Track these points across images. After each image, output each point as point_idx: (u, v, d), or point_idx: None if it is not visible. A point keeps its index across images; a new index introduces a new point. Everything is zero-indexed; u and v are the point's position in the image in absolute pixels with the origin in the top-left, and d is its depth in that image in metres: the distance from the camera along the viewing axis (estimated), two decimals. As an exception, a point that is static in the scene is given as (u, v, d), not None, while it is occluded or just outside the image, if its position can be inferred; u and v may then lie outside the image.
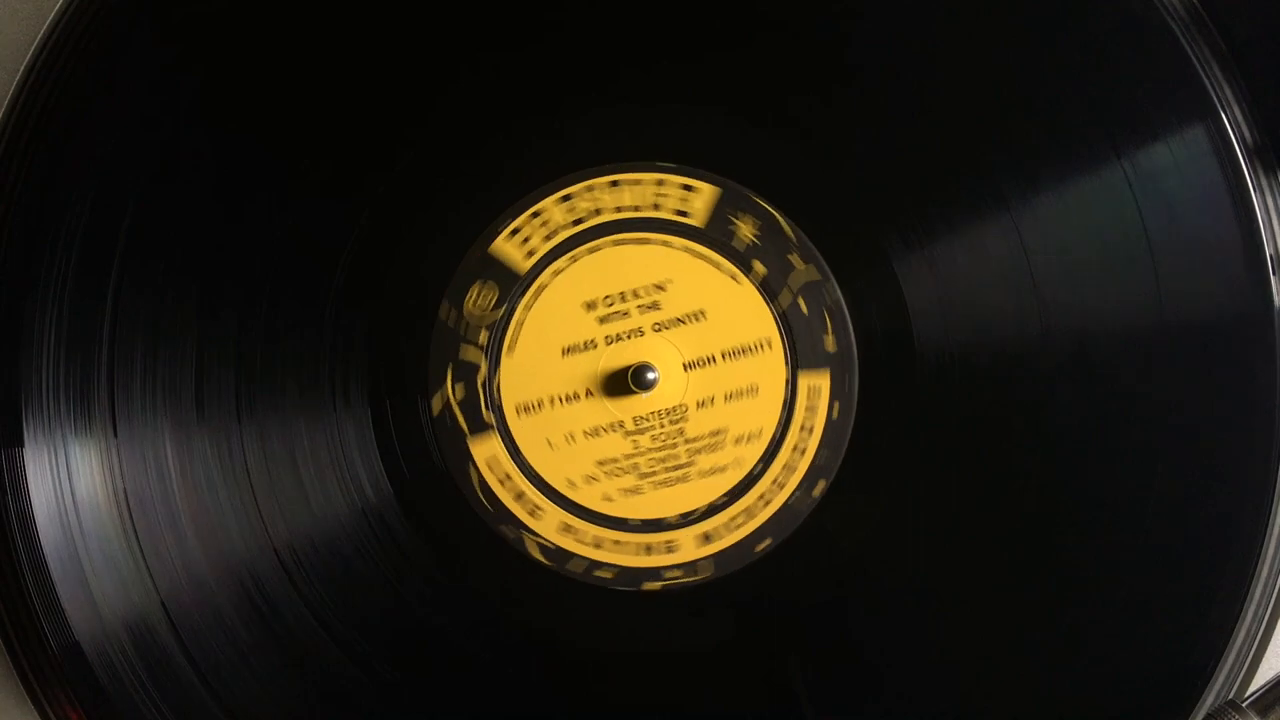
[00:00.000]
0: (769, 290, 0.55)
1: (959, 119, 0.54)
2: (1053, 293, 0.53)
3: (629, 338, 0.55)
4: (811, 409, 0.55)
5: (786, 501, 0.55)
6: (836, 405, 0.55)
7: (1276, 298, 0.51)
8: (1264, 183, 0.52)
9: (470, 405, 0.55)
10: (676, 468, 0.55)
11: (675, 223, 0.55)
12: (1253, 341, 0.51)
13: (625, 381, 0.55)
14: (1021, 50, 0.53)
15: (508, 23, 0.54)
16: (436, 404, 0.55)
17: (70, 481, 0.52)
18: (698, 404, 0.55)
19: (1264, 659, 0.52)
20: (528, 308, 0.55)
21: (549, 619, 0.55)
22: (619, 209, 0.55)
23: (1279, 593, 0.52)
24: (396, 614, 0.54)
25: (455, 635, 0.54)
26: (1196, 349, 0.52)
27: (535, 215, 0.55)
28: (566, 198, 0.55)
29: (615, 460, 0.56)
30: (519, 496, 0.55)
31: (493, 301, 0.55)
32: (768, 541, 0.55)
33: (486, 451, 0.55)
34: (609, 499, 0.55)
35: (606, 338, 0.55)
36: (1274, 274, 0.51)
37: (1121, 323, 0.52)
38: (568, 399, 0.55)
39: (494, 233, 0.55)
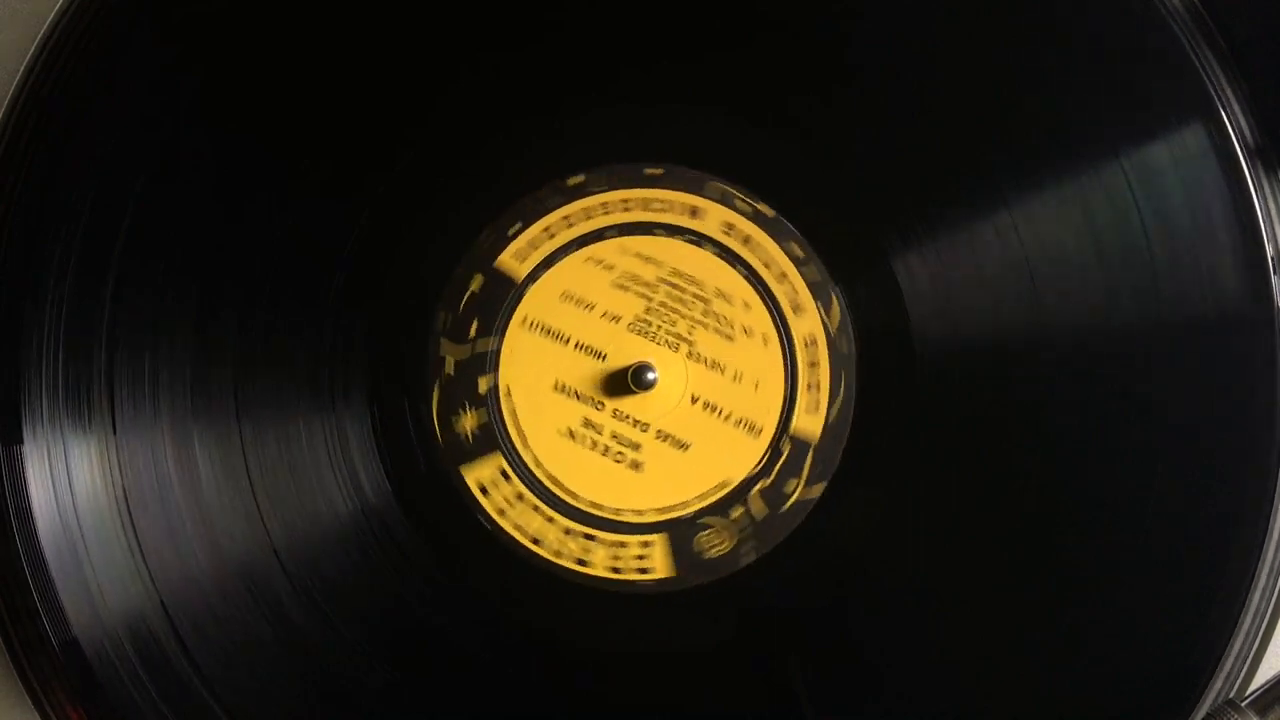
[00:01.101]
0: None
1: (959, 119, 0.54)
2: (1052, 293, 0.53)
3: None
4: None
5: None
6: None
7: (1276, 298, 0.51)
8: (1264, 183, 0.52)
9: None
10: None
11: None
12: (1253, 341, 0.51)
13: (625, 382, 0.55)
14: (1021, 50, 0.53)
15: (508, 23, 0.54)
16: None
17: (70, 479, 0.52)
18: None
19: (1264, 659, 0.52)
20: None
21: (549, 619, 0.55)
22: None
23: (1279, 593, 0.52)
24: (396, 614, 0.54)
25: (455, 635, 0.54)
26: (1196, 349, 0.52)
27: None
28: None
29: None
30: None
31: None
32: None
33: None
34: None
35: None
36: (1274, 274, 0.51)
37: (1121, 323, 0.52)
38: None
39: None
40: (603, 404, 0.56)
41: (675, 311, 0.56)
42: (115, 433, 0.52)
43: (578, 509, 0.56)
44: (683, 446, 0.56)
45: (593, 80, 0.55)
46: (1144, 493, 0.52)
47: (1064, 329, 0.53)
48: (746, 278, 0.56)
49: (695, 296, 0.56)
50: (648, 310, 0.56)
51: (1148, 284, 0.52)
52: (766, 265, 0.56)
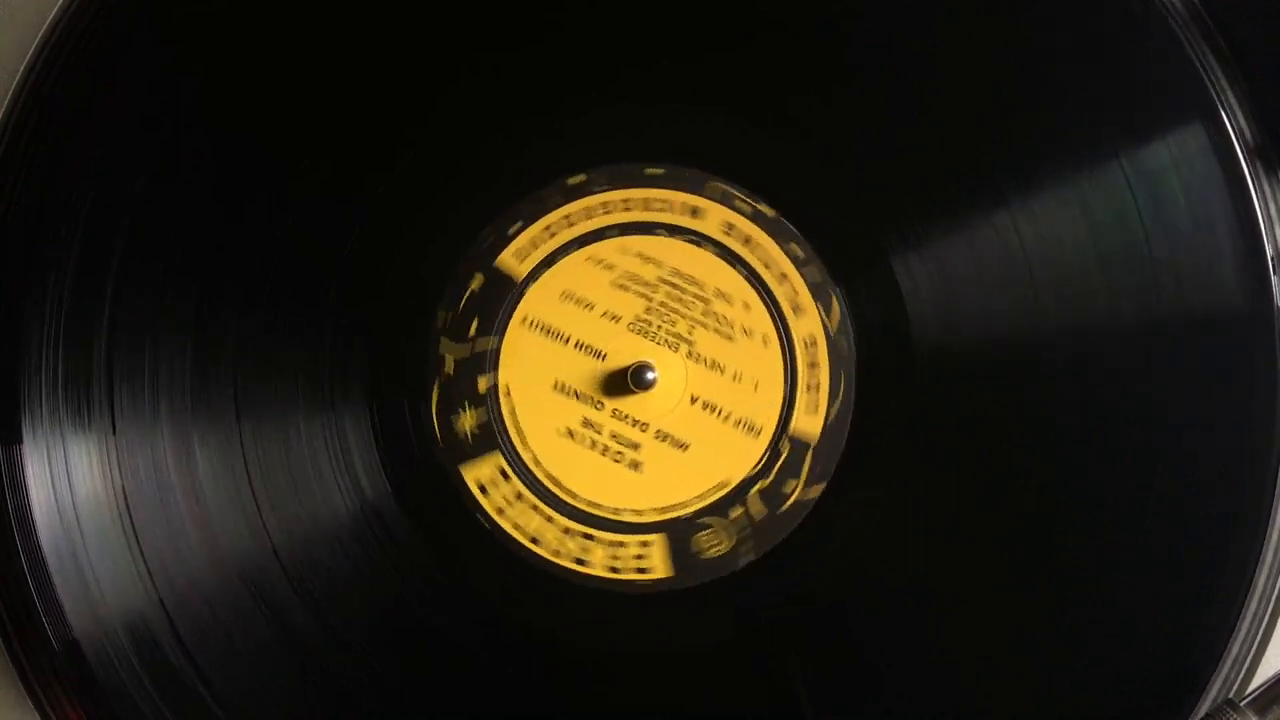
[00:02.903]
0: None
1: (959, 119, 0.54)
2: (1052, 292, 0.53)
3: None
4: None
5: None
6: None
7: (1276, 298, 0.51)
8: (1264, 183, 0.52)
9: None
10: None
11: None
12: (1253, 341, 0.51)
13: (625, 382, 0.55)
14: (1021, 50, 0.53)
15: (508, 23, 0.54)
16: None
17: (69, 479, 0.52)
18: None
19: (1264, 659, 0.52)
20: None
21: (549, 619, 0.55)
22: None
23: (1279, 593, 0.52)
24: (396, 614, 0.54)
25: (455, 635, 0.54)
26: (1196, 349, 0.52)
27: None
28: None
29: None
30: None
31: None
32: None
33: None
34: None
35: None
36: (1274, 274, 0.51)
37: (1121, 322, 0.52)
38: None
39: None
40: (602, 404, 0.56)
41: (675, 312, 0.56)
42: (115, 432, 0.52)
43: (576, 508, 0.56)
44: (682, 446, 0.56)
45: (593, 80, 0.55)
46: (1144, 493, 0.52)
47: (1064, 329, 0.53)
48: (747, 278, 0.56)
49: (695, 297, 0.56)
50: (648, 310, 0.56)
51: (1148, 284, 0.52)
52: (767, 266, 0.56)
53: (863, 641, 0.54)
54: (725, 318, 0.56)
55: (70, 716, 0.52)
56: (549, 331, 0.56)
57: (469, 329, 0.55)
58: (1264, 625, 0.52)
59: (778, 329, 0.55)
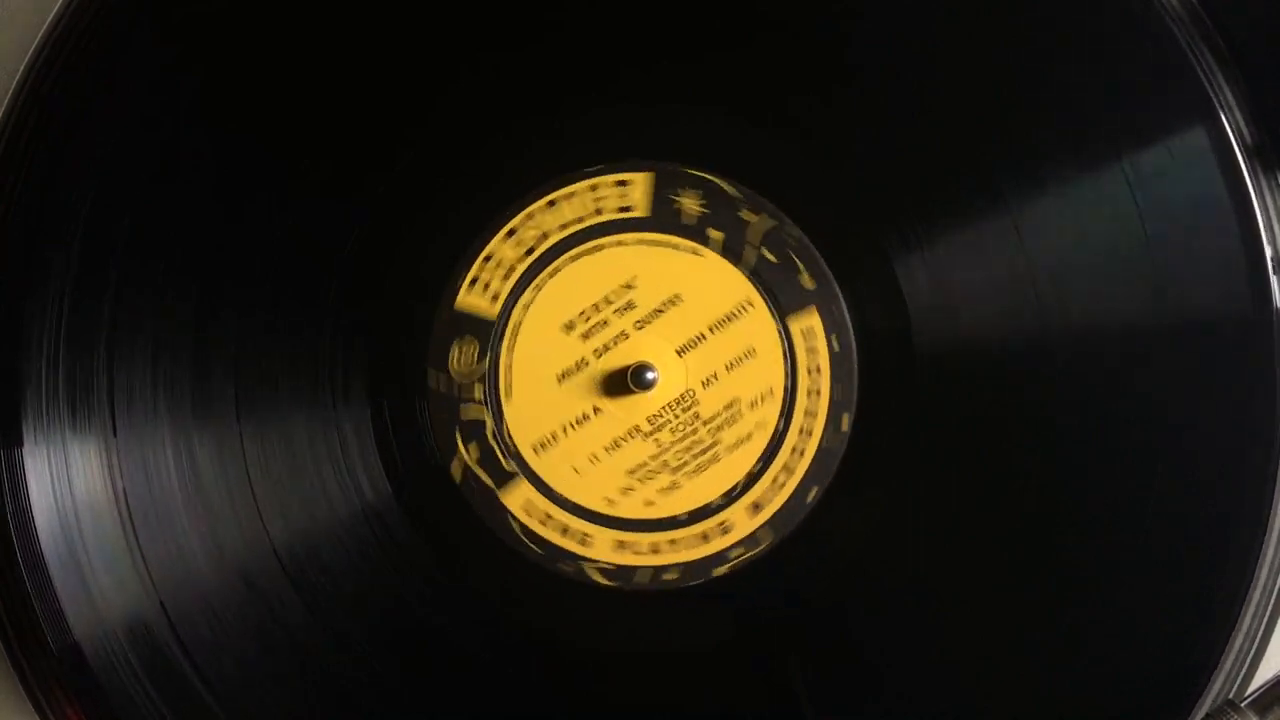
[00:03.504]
0: (732, 253, 0.55)
1: (959, 119, 0.54)
2: (1052, 293, 0.53)
3: (616, 344, 0.55)
4: (812, 350, 0.55)
5: (820, 445, 0.55)
6: (834, 337, 0.55)
7: (1276, 298, 0.51)
8: (1264, 183, 0.52)
9: (489, 460, 0.55)
10: (704, 451, 0.55)
11: (621, 220, 0.55)
12: (1253, 342, 0.51)
13: (626, 385, 0.55)
14: (1021, 50, 0.53)
15: (508, 23, 0.54)
16: (456, 472, 0.55)
17: (70, 481, 0.52)
18: (703, 384, 0.55)
19: (1264, 659, 0.52)
20: (510, 349, 0.55)
21: (549, 619, 0.55)
22: (563, 226, 0.55)
23: (1279, 593, 0.52)
24: (396, 614, 0.54)
25: (455, 635, 0.54)
26: (1196, 349, 0.52)
27: (487, 260, 0.55)
28: (511, 232, 0.55)
29: (644, 465, 0.55)
30: (564, 531, 0.55)
31: (475, 355, 0.55)
32: (815, 490, 0.55)
33: (519, 499, 0.55)
34: (651, 503, 0.55)
35: (595, 351, 0.55)
36: (1274, 274, 0.51)
37: (1121, 323, 0.52)
38: (579, 422, 0.55)
39: (455, 289, 0.55)
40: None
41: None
42: (115, 434, 0.52)
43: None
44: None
45: (593, 80, 0.55)
46: (1144, 493, 0.52)
47: (1064, 329, 0.53)
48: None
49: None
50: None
51: (1147, 284, 0.52)
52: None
53: (863, 641, 0.54)
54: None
55: (71, 718, 0.52)
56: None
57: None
58: (1264, 625, 0.52)
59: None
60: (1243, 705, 0.50)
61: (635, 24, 0.54)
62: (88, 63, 0.52)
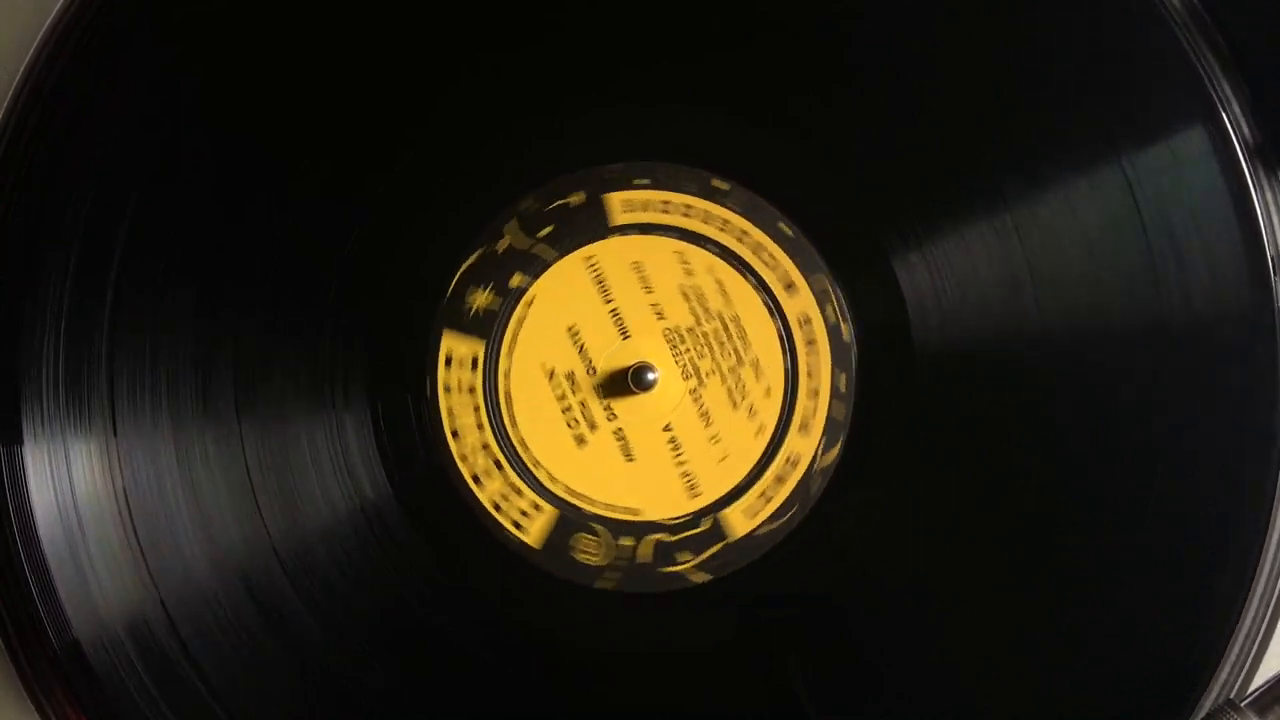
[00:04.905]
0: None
1: (959, 119, 0.54)
2: (1052, 292, 0.53)
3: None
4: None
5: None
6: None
7: (1276, 298, 0.51)
8: (1264, 183, 0.52)
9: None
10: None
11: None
12: (1253, 341, 0.51)
13: (627, 386, 0.55)
14: (1021, 50, 0.53)
15: (508, 23, 0.54)
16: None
17: (70, 480, 0.52)
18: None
19: (1264, 659, 0.52)
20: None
21: (549, 619, 0.55)
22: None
23: (1279, 593, 0.52)
24: (396, 614, 0.54)
25: (455, 635, 0.54)
26: (1196, 349, 0.52)
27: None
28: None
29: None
30: None
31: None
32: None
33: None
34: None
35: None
36: (1274, 274, 0.51)
37: (1121, 322, 0.52)
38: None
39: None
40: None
41: (710, 349, 0.56)
42: (115, 433, 0.52)
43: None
44: (630, 458, 0.56)
45: (593, 80, 0.55)
46: (1144, 493, 0.52)
47: (1064, 329, 0.53)
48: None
49: (734, 351, 0.56)
50: (690, 330, 0.56)
51: (1148, 284, 0.52)
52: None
53: (863, 641, 0.54)
54: (744, 387, 0.56)
55: (71, 718, 0.52)
56: (600, 283, 0.56)
57: (540, 231, 0.55)
58: (1264, 625, 0.52)
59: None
60: (1243, 705, 0.50)
61: (635, 24, 0.54)
62: (88, 63, 0.52)
